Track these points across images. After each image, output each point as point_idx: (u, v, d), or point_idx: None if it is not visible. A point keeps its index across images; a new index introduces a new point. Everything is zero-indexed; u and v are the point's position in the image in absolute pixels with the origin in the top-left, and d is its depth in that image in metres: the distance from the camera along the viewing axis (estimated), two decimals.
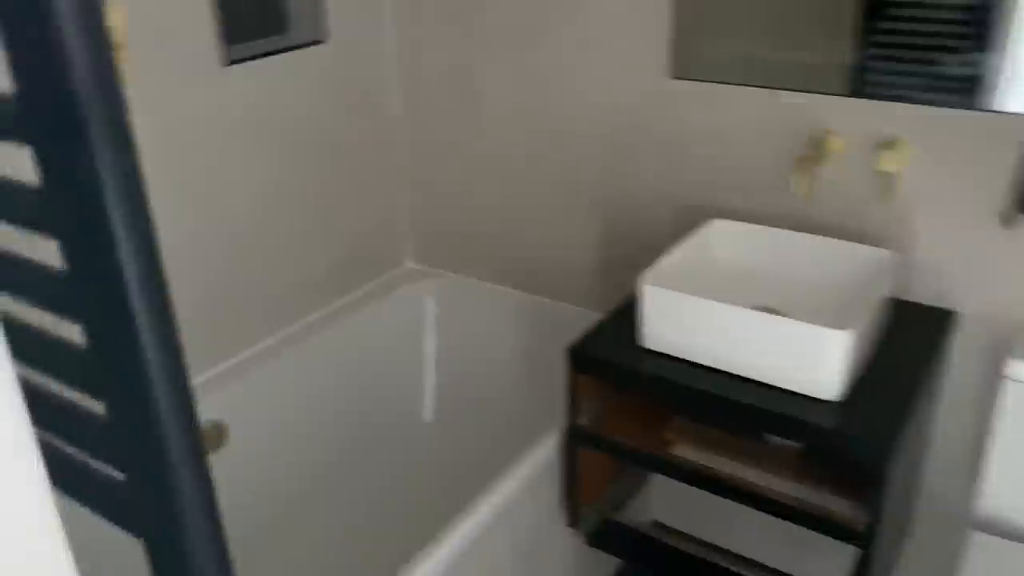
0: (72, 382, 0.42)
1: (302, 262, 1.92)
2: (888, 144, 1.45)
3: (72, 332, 0.42)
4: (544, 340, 1.97)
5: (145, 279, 0.37)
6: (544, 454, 1.54)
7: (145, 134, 1.53)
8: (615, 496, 1.74)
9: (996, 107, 1.36)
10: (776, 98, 1.55)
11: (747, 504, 1.37)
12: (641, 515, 1.93)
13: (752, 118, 1.59)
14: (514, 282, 2.07)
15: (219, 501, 0.48)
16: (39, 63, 0.34)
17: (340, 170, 1.96)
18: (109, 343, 0.39)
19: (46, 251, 0.40)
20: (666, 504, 1.93)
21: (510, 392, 2.06)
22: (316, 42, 1.83)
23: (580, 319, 1.77)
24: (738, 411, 1.30)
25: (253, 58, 1.70)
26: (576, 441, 1.52)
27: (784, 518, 1.34)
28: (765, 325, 1.27)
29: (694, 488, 1.43)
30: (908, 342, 1.41)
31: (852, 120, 1.49)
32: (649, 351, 1.41)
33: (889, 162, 1.44)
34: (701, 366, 1.36)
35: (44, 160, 0.35)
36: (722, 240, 1.56)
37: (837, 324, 1.23)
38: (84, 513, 0.48)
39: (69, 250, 0.37)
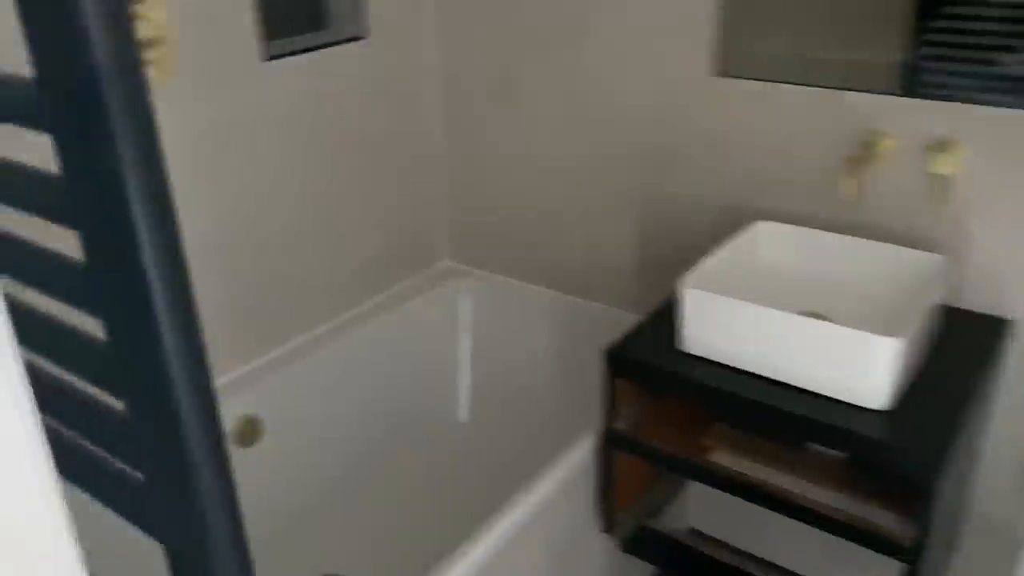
0: (91, 378, 0.40)
1: (339, 259, 1.92)
2: (941, 145, 1.40)
3: (94, 326, 0.40)
4: (580, 341, 1.94)
5: (166, 275, 0.35)
6: (579, 457, 1.52)
7: (185, 129, 1.53)
8: (651, 502, 1.71)
9: None
10: (824, 97, 1.51)
11: (787, 514, 1.33)
12: (677, 521, 1.89)
13: (799, 117, 1.55)
14: (551, 282, 2.04)
15: (243, 502, 0.46)
16: (58, 47, 0.32)
17: (377, 167, 1.95)
18: (128, 339, 0.37)
19: (66, 241, 0.39)
20: (703, 511, 1.89)
21: (545, 393, 2.04)
22: (356, 38, 1.82)
23: (618, 321, 1.74)
24: (781, 419, 1.26)
25: (293, 54, 1.70)
26: (612, 445, 1.49)
27: (826, 530, 1.30)
28: (811, 331, 1.24)
29: (732, 495, 1.39)
30: (959, 351, 1.36)
31: (904, 120, 1.44)
32: (689, 355, 1.37)
33: (943, 164, 1.39)
34: (743, 372, 1.32)
35: (64, 148, 0.34)
36: (766, 242, 1.52)
37: (886, 331, 1.19)
38: (109, 516, 0.47)
39: (88, 242, 0.35)
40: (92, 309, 0.37)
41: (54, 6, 0.31)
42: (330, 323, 1.93)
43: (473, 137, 2.03)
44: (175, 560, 0.43)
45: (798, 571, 1.79)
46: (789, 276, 1.49)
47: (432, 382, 2.11)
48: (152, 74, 1.47)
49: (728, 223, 1.70)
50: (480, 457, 2.03)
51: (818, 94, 1.51)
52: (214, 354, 1.72)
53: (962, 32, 1.35)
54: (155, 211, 0.35)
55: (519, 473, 1.59)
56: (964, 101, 1.38)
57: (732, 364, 1.33)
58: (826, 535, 1.31)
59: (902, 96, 1.43)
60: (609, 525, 1.59)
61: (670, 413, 1.50)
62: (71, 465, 0.43)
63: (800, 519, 1.32)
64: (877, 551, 1.26)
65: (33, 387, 0.36)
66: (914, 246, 1.47)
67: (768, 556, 1.82)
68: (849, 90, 1.48)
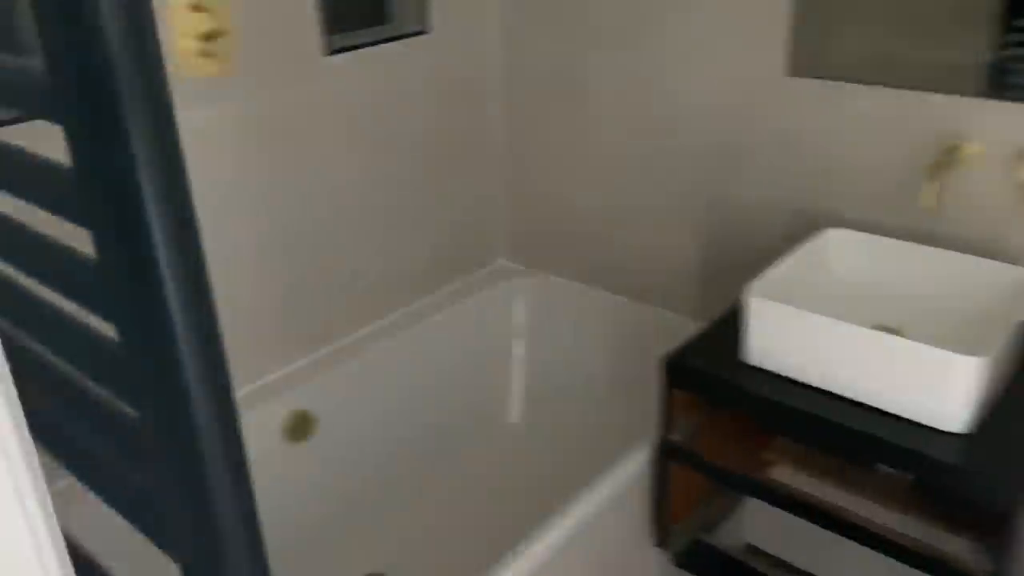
0: (103, 382, 0.38)
1: (395, 255, 1.90)
2: None
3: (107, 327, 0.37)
4: (638, 346, 1.89)
5: (183, 279, 0.32)
6: (633, 468, 1.47)
7: (244, 122, 1.53)
8: (707, 516, 1.65)
9: None
10: (905, 99, 1.43)
11: (851, 538, 1.26)
12: (733, 537, 1.82)
13: (877, 120, 1.47)
14: (609, 284, 1.99)
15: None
16: (68, 33, 0.29)
17: (436, 163, 1.92)
18: (141, 345, 0.34)
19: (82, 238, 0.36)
20: (761, 526, 1.83)
21: (599, 398, 1.99)
22: (419, 33, 1.79)
23: (678, 327, 1.69)
24: (849, 438, 1.19)
25: (355, 48, 1.68)
26: (668, 458, 1.44)
27: (891, 555, 1.23)
28: (884, 346, 1.17)
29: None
30: None
31: (991, 125, 1.36)
32: (752, 367, 1.31)
33: None
34: (809, 387, 1.26)
35: (75, 140, 0.31)
36: (838, 251, 1.45)
37: (967, 349, 1.12)
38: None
39: (100, 240, 0.32)
40: (103, 311, 0.34)
41: None
42: (385, 320, 1.92)
43: (534, 134, 1.99)
44: None
45: None
46: (861, 287, 1.42)
47: (484, 382, 2.08)
48: (213, 67, 1.47)
49: (797, 229, 1.63)
50: (530, 461, 2.00)
51: (898, 95, 1.44)
52: (268, 349, 1.72)
53: None
54: (173, 209, 0.32)
55: (569, 480, 1.55)
56: None
57: (798, 378, 1.27)
58: (891, 560, 1.24)
59: (989, 99, 1.35)
60: (662, 539, 1.54)
61: (729, 424, 1.45)
62: (86, 470, 0.41)
63: (864, 543, 1.25)
64: None
65: (49, 391, 0.33)
66: (999, 259, 1.38)
67: None
68: (932, 92, 1.40)
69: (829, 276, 1.44)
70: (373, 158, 1.78)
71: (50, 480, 0.78)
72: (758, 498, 1.38)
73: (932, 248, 1.38)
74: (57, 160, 0.33)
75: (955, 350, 1.11)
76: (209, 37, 1.45)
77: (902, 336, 1.21)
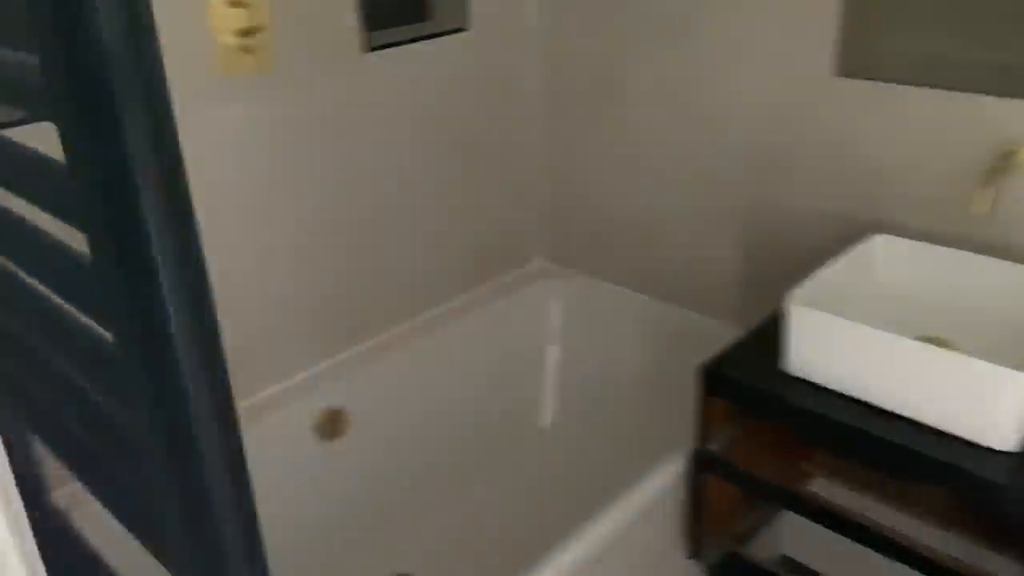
0: (99, 384, 0.36)
1: (432, 253, 1.89)
2: None
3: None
4: (676, 352, 1.85)
5: (181, 283, 0.30)
6: (667, 478, 1.44)
7: (281, 119, 1.53)
8: (743, 527, 1.61)
9: None
10: (960, 102, 1.38)
11: (890, 555, 1.22)
12: (769, 549, 1.78)
13: (930, 123, 1.42)
14: (647, 288, 1.96)
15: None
16: (62, 26, 0.27)
17: (474, 161, 1.91)
18: (137, 348, 0.32)
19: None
20: (798, 538, 1.78)
21: (635, 404, 1.96)
22: (458, 30, 1.78)
23: (717, 333, 1.65)
24: (892, 454, 1.15)
25: (394, 45, 1.67)
26: (703, 468, 1.40)
27: (933, 575, 1.18)
28: (931, 359, 1.12)
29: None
30: None
31: None
32: (793, 377, 1.27)
33: None
34: (852, 399, 1.22)
35: (68, 137, 0.29)
36: (885, 258, 1.40)
37: (1019, 364, 1.07)
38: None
39: (94, 240, 0.31)
40: (97, 314, 0.33)
41: None
42: (420, 318, 1.91)
43: (573, 134, 1.96)
44: None
45: None
46: (909, 296, 1.37)
47: (518, 384, 2.06)
48: (251, 63, 1.46)
49: (843, 235, 1.58)
50: (561, 466, 1.97)
51: (950, 98, 1.38)
52: (303, 345, 1.72)
53: None
54: (168, 213, 0.30)
55: (601, 486, 1.53)
56: None
57: (840, 390, 1.23)
58: None
59: None
60: (696, 550, 1.51)
61: (767, 435, 1.41)
62: (87, 473, 0.39)
63: (903, 560, 1.21)
64: None
65: (48, 389, 0.31)
66: None
67: None
68: (986, 94, 1.35)
69: (875, 284, 1.40)
70: (411, 155, 1.77)
71: (63, 481, 0.78)
72: (795, 512, 1.34)
73: (984, 257, 1.33)
74: (52, 157, 0.32)
75: (1007, 364, 1.06)
76: (248, 33, 1.45)
77: (950, 348, 1.16)
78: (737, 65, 1.64)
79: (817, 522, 1.29)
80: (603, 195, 1.97)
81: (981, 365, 1.08)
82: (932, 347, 1.13)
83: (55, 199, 0.31)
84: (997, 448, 1.10)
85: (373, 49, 1.63)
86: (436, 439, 1.89)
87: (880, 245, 1.41)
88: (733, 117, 1.68)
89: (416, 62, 1.71)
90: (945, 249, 1.37)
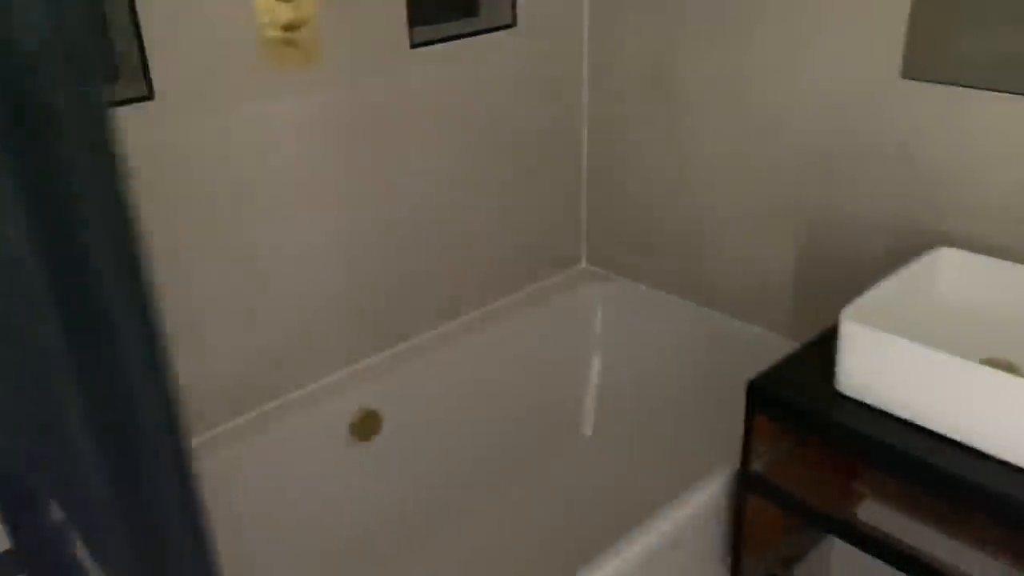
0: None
1: (473, 254, 1.85)
2: None
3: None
4: (723, 362, 1.78)
5: (119, 276, 0.26)
6: (709, 497, 1.38)
7: (323, 116, 1.50)
8: (788, 550, 1.54)
9: None
10: None
11: None
12: (816, 572, 1.70)
13: (1001, 130, 1.34)
14: (695, 294, 1.89)
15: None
16: None
17: (520, 161, 1.86)
18: (80, 347, 0.29)
19: None
20: (847, 563, 1.70)
21: (679, 415, 1.90)
22: (506, 26, 1.74)
23: (767, 345, 1.58)
24: (951, 483, 1.08)
25: (440, 40, 1.64)
26: (748, 488, 1.34)
27: None
28: (997, 384, 1.04)
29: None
30: None
31: None
32: (845, 397, 1.20)
33: None
34: (909, 423, 1.14)
35: None
36: (949, 273, 1.32)
37: None
38: None
39: (31, 231, 0.27)
40: (37, 309, 0.29)
41: None
42: (458, 321, 1.87)
43: (621, 134, 1.91)
44: None
45: None
46: (974, 315, 1.29)
47: (558, 391, 2.01)
48: (296, 57, 1.44)
49: (905, 246, 1.50)
50: (601, 477, 1.92)
51: None
52: (340, 345, 1.70)
53: None
54: (106, 197, 0.26)
55: (641, 500, 1.47)
56: None
57: (896, 413, 1.16)
58: None
59: None
60: (736, 573, 1.44)
61: (816, 456, 1.34)
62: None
63: None
64: None
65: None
66: None
67: None
68: None
69: (937, 301, 1.32)
70: (453, 154, 1.73)
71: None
72: (844, 539, 1.27)
73: None
74: None
75: None
76: (293, 27, 1.43)
77: (1018, 374, 1.08)
78: (796, 63, 1.56)
79: (866, 552, 1.22)
80: (651, 197, 1.91)
81: None
82: (999, 372, 1.05)
83: None
84: None
85: (419, 45, 1.60)
86: (472, 444, 1.85)
87: (945, 258, 1.33)
88: (791, 118, 1.61)
89: (463, 59, 1.68)
90: (1014, 265, 1.29)
